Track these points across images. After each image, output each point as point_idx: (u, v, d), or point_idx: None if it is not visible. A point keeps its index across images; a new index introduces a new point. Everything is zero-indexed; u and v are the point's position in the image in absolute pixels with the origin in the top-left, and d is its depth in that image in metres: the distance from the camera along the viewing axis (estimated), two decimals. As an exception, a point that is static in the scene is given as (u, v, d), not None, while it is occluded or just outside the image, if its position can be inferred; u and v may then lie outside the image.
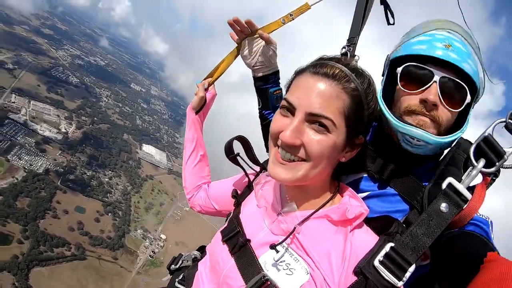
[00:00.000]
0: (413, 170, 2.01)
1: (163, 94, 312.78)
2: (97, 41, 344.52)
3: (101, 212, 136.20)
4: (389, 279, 1.43)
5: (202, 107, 2.80)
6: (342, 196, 1.82)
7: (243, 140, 2.23)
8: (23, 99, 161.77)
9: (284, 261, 1.67)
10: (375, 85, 1.75)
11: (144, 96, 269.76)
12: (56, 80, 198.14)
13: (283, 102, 1.66)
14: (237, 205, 2.15)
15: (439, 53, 1.84)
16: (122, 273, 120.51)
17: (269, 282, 1.62)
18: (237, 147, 2.22)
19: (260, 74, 2.74)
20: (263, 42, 2.64)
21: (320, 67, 1.63)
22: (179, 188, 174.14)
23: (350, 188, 1.87)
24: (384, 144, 2.05)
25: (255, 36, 2.66)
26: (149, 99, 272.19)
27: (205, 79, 2.91)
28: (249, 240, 1.83)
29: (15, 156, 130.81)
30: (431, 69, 1.84)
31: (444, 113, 1.86)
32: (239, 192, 2.25)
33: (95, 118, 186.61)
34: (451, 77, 1.83)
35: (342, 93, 1.57)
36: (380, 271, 1.45)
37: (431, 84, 1.83)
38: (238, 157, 2.22)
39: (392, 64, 2.08)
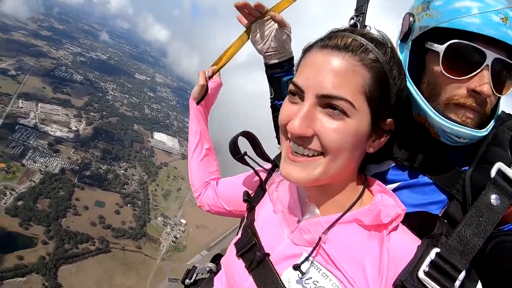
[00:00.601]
0: (448, 153, 1.68)
1: (168, 80, 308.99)
2: (96, 36, 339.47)
3: (121, 204, 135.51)
4: None
5: (203, 97, 2.57)
6: (371, 193, 1.57)
7: (249, 136, 1.98)
8: (30, 103, 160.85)
9: (311, 278, 1.42)
10: (400, 57, 1.46)
11: (149, 85, 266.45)
12: (61, 80, 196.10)
13: (291, 87, 1.40)
14: (251, 210, 1.88)
15: (494, 33, 1.42)
16: (147, 261, 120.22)
17: None
18: (242, 145, 1.99)
19: (272, 61, 2.50)
20: (276, 25, 2.36)
21: (329, 39, 1.37)
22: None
23: (379, 182, 1.59)
24: (411, 130, 1.72)
25: (266, 18, 2.38)
26: (155, 87, 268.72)
27: (211, 66, 2.64)
28: (268, 254, 1.58)
29: (30, 160, 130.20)
30: (482, 49, 1.44)
31: (491, 102, 1.53)
32: (251, 194, 1.98)
33: (104, 113, 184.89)
34: (503, 59, 1.45)
35: (360, 67, 1.29)
36: (427, 284, 1.21)
37: (482, 70, 1.45)
38: (246, 156, 1.98)
39: (420, 34, 1.63)
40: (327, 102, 1.28)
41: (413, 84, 1.60)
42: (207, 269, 2.19)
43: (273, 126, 2.71)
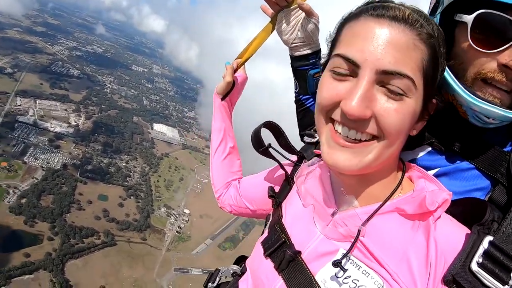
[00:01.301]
0: (487, 135, 1.54)
1: (165, 71, 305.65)
2: (91, 30, 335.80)
3: (124, 196, 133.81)
4: (492, 286, 1.07)
5: (229, 92, 2.45)
6: (411, 180, 1.42)
7: (272, 126, 1.84)
8: (28, 100, 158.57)
9: (350, 276, 1.27)
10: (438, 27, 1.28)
11: (147, 76, 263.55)
12: (58, 76, 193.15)
13: (336, 61, 1.22)
14: (277, 206, 1.74)
15: None
16: (152, 252, 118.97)
17: None
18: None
19: (298, 53, 2.36)
20: (303, 14, 2.23)
21: (384, 9, 1.19)
22: (195, 162, 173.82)
23: (419, 167, 1.46)
24: (444, 112, 1.54)
25: (292, 7, 2.25)
26: (153, 78, 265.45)
27: (235, 59, 2.53)
28: (299, 252, 1.44)
29: (31, 157, 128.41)
30: None
31: None
32: (276, 189, 1.84)
33: (103, 106, 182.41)
34: None
35: (419, 42, 1.16)
36: (481, 277, 1.08)
37: None
38: (270, 149, 1.81)
39: (449, 5, 1.48)
40: (387, 80, 1.14)
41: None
42: (231, 271, 2.06)
43: (297, 122, 2.58)
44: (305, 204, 1.57)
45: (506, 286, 1.06)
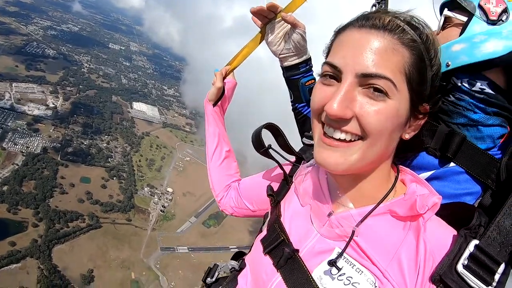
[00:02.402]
0: (480, 141, 1.62)
1: (143, 48, 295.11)
2: (66, 8, 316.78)
3: (106, 178, 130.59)
4: (476, 286, 1.12)
5: (220, 98, 2.52)
6: (404, 183, 1.47)
7: (272, 127, 1.89)
8: (4, 84, 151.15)
9: (345, 274, 1.32)
10: (436, 39, 1.35)
11: (124, 54, 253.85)
12: (33, 57, 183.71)
13: (324, 68, 1.32)
14: (275, 205, 1.77)
15: None
16: (138, 233, 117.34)
17: None
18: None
19: (288, 63, 2.39)
20: (289, 26, 2.27)
21: (366, 19, 1.28)
22: (176, 140, 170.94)
23: (412, 172, 1.51)
24: (441, 117, 1.70)
25: (278, 19, 2.29)
26: (131, 56, 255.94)
27: (225, 66, 2.59)
28: (297, 250, 1.49)
29: (10, 143, 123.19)
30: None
31: None
32: (275, 188, 1.88)
33: (81, 86, 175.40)
34: None
35: (399, 46, 1.22)
36: (466, 278, 1.13)
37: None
38: (270, 150, 1.85)
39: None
40: (367, 82, 1.20)
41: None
42: (229, 267, 2.08)
43: (298, 130, 2.59)
44: (303, 204, 1.61)
45: (490, 287, 1.10)
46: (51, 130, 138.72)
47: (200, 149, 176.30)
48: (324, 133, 1.29)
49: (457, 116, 1.64)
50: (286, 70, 2.39)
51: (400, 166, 1.53)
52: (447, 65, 1.62)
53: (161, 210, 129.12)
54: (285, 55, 2.33)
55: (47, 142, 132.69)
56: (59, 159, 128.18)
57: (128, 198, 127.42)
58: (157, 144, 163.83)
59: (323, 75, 1.31)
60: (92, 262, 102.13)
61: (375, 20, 1.25)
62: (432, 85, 1.32)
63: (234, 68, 2.59)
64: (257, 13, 2.28)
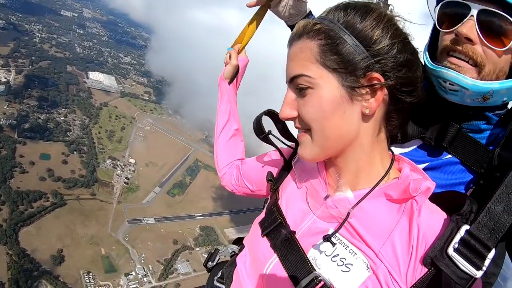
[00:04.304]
0: (475, 132, 1.64)
1: (97, 15, 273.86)
2: None
3: (66, 153, 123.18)
4: (466, 270, 1.14)
5: (234, 76, 2.53)
6: (399, 170, 1.49)
7: (272, 114, 1.92)
8: None
9: (338, 255, 1.35)
10: (372, 8, 1.34)
11: (78, 21, 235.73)
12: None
13: None
14: (274, 190, 1.80)
15: None
16: (104, 207, 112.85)
17: (322, 283, 1.32)
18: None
19: (292, 23, 2.52)
20: None
21: (291, 35, 1.43)
22: (135, 109, 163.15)
23: (408, 160, 1.52)
24: (435, 107, 1.67)
25: None
26: (84, 23, 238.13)
27: (233, 45, 2.61)
28: (293, 232, 1.51)
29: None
30: (467, 2, 1.45)
31: (487, 53, 1.45)
32: (274, 173, 1.89)
33: (33, 58, 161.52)
34: (490, 9, 1.41)
35: (305, 42, 1.32)
36: (456, 261, 1.15)
37: (467, 19, 1.45)
38: (270, 135, 1.90)
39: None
40: (295, 85, 1.35)
41: (426, 50, 1.64)
42: (230, 251, 2.17)
43: None
44: (300, 187, 1.65)
45: (480, 271, 1.12)
46: (5, 107, 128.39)
47: (160, 118, 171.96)
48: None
49: (466, 122, 1.63)
50: (291, 28, 2.42)
51: (398, 155, 1.54)
52: (503, 101, 1.54)
53: (125, 182, 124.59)
54: (289, 19, 2.43)
55: (2, 119, 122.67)
56: (16, 136, 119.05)
57: (90, 172, 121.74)
58: (116, 115, 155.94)
59: None
60: (61, 242, 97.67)
61: (293, 34, 1.39)
62: (374, 52, 1.28)
63: (246, 45, 2.57)
64: None
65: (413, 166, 1.46)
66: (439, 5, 1.57)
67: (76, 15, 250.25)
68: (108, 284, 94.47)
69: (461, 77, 1.45)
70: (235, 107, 2.48)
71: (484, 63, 1.45)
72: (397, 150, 1.68)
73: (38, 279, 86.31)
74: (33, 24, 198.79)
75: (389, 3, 1.63)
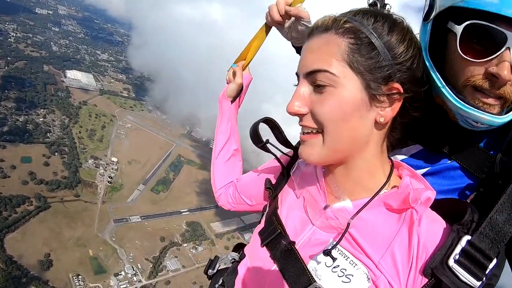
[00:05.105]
0: (477, 137, 1.57)
1: (72, 11, 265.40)
2: None
3: (47, 154, 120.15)
4: (467, 281, 1.12)
5: (238, 94, 2.41)
6: (400, 177, 1.46)
7: (269, 121, 1.85)
8: None
9: (339, 266, 1.32)
10: (398, 22, 1.30)
11: (53, 19, 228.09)
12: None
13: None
14: (273, 198, 1.77)
15: None
16: (88, 208, 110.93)
17: None
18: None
19: (297, 45, 2.42)
20: (292, 17, 2.28)
21: (315, 27, 1.36)
22: (115, 107, 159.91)
23: (408, 167, 1.48)
24: (435, 113, 1.57)
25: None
26: (59, 21, 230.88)
27: (236, 61, 2.49)
28: (293, 242, 1.50)
29: None
30: (502, 30, 1.22)
31: None
32: (273, 182, 1.87)
33: (9, 58, 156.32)
34: None
35: (333, 37, 1.26)
36: (457, 272, 1.13)
37: (502, 52, 1.25)
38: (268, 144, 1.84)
39: (441, 13, 1.41)
40: (312, 80, 1.27)
41: (430, 62, 1.44)
42: (230, 258, 2.12)
43: None
44: (300, 197, 1.61)
45: (480, 282, 1.10)
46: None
47: (141, 115, 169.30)
48: (302, 131, 1.37)
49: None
50: (296, 49, 2.38)
51: (398, 161, 1.51)
52: None
53: (108, 181, 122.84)
54: (294, 41, 2.34)
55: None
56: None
57: (73, 173, 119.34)
58: (96, 113, 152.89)
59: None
60: (48, 246, 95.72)
61: (315, 25, 1.33)
62: (397, 63, 1.26)
63: (249, 62, 2.46)
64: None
65: (413, 173, 1.42)
66: (464, 25, 1.30)
67: (51, 12, 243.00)
68: (98, 286, 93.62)
69: (494, 118, 1.33)
70: (235, 127, 2.38)
71: (510, 98, 1.33)
72: (396, 156, 1.65)
73: (27, 286, 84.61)
74: (7, 23, 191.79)
75: (386, 2, 1.59)
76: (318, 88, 1.26)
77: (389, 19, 1.28)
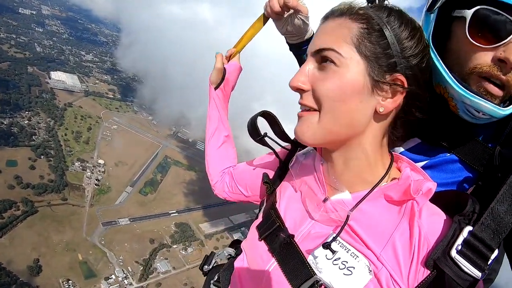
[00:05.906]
0: (475, 130, 1.55)
1: (56, 11, 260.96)
2: None
3: (33, 157, 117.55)
4: (470, 272, 1.10)
5: (221, 81, 2.36)
6: (399, 169, 1.44)
7: (267, 115, 1.81)
8: None
9: (340, 258, 1.30)
10: (410, 20, 1.31)
11: (36, 19, 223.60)
12: None
13: None
14: (271, 192, 1.74)
15: None
16: (77, 211, 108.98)
17: (324, 287, 1.30)
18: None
19: (290, 42, 2.42)
20: (291, 10, 2.22)
21: (330, 12, 1.37)
22: (100, 108, 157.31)
23: (408, 159, 1.47)
24: (434, 105, 1.51)
25: None
26: (43, 21, 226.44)
27: (230, 49, 2.48)
28: (292, 236, 1.47)
29: None
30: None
31: None
32: (270, 175, 1.83)
33: None
34: None
35: (346, 21, 1.27)
36: (460, 263, 1.11)
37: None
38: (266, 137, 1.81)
39: (447, 2, 1.43)
40: (319, 58, 1.28)
41: (434, 51, 1.41)
42: (226, 254, 2.08)
43: None
44: (298, 190, 1.59)
45: (482, 273, 1.09)
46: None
47: (126, 116, 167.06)
48: (300, 109, 1.36)
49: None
50: (290, 46, 2.42)
51: (397, 154, 1.50)
52: None
53: (95, 184, 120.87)
54: (288, 35, 2.32)
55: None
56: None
57: (59, 176, 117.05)
58: (81, 115, 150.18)
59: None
60: (36, 251, 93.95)
61: (333, 9, 1.34)
62: (404, 57, 1.26)
63: (239, 51, 2.41)
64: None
65: (413, 166, 1.41)
66: (474, 9, 1.30)
67: (34, 12, 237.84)
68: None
69: (497, 109, 1.31)
70: (224, 113, 2.35)
71: None
72: (394, 149, 1.63)
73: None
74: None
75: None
76: (322, 66, 1.26)
77: (403, 16, 1.29)
